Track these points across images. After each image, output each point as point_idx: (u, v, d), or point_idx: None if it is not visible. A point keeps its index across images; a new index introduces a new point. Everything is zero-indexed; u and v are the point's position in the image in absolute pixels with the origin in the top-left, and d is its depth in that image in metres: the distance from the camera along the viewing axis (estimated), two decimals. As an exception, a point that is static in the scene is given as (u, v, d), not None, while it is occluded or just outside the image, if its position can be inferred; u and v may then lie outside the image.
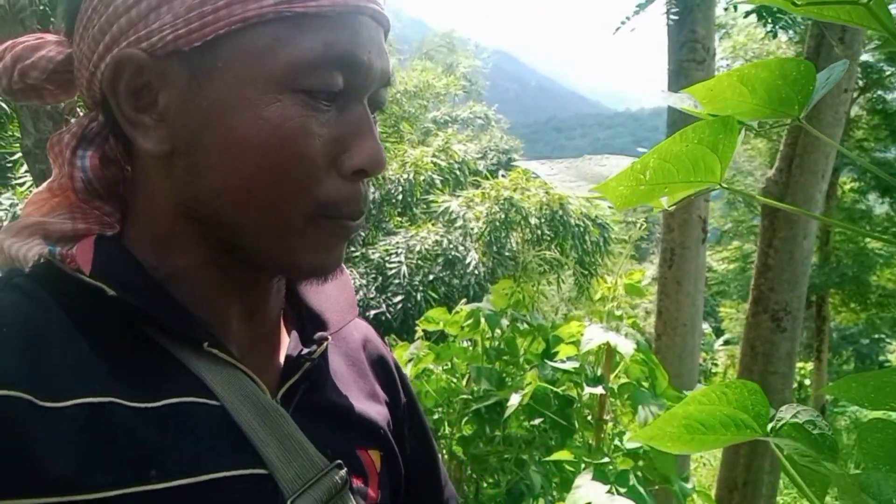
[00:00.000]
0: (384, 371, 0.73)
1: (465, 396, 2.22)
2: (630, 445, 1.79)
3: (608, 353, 1.91)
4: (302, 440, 0.55)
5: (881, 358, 14.16)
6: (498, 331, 2.29)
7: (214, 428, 0.52)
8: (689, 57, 3.69)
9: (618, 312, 1.97)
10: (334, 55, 0.52)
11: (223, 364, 0.55)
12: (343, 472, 0.57)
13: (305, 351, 0.61)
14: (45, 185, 0.60)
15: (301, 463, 0.54)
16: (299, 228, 0.54)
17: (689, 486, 1.78)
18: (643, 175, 0.56)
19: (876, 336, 13.86)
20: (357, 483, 0.60)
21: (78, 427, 0.47)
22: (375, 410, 0.67)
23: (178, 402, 0.52)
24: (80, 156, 0.57)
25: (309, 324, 0.64)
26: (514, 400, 1.89)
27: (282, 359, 0.62)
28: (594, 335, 1.81)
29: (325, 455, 0.57)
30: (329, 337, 0.64)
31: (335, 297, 0.68)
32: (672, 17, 3.35)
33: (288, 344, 0.63)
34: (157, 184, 0.56)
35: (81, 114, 0.60)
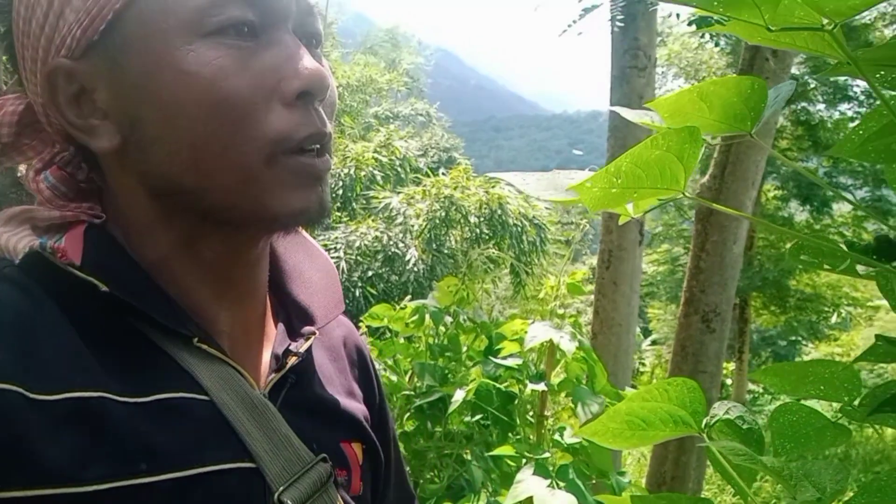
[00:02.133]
0: (363, 367, 0.74)
1: (407, 392, 2.23)
2: (569, 441, 1.84)
3: (550, 351, 1.96)
4: (288, 434, 0.56)
5: (797, 359, 14.84)
6: (441, 328, 2.32)
7: (203, 423, 0.53)
8: (631, 63, 3.81)
9: (560, 311, 2.02)
10: None
11: (212, 359, 0.55)
12: (328, 465, 0.58)
13: (293, 346, 0.62)
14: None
15: (287, 457, 0.55)
16: (258, 172, 0.52)
17: (625, 480, 1.85)
18: (616, 178, 0.58)
19: (793, 338, 14.53)
20: (341, 476, 0.61)
21: (69, 420, 0.47)
22: (356, 405, 0.68)
23: (168, 398, 0.52)
24: (43, 177, 0.57)
25: (296, 317, 0.65)
26: (459, 396, 1.92)
27: (269, 352, 0.62)
28: (538, 333, 1.86)
29: (311, 448, 0.58)
30: (316, 332, 0.64)
31: (322, 290, 0.68)
32: (618, 24, 3.45)
33: (275, 337, 0.63)
34: (120, 178, 0.56)
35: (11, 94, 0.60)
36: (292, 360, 0.61)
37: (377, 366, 2.38)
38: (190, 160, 0.52)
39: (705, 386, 4.22)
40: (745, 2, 0.43)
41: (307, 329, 0.64)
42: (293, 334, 0.63)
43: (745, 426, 0.67)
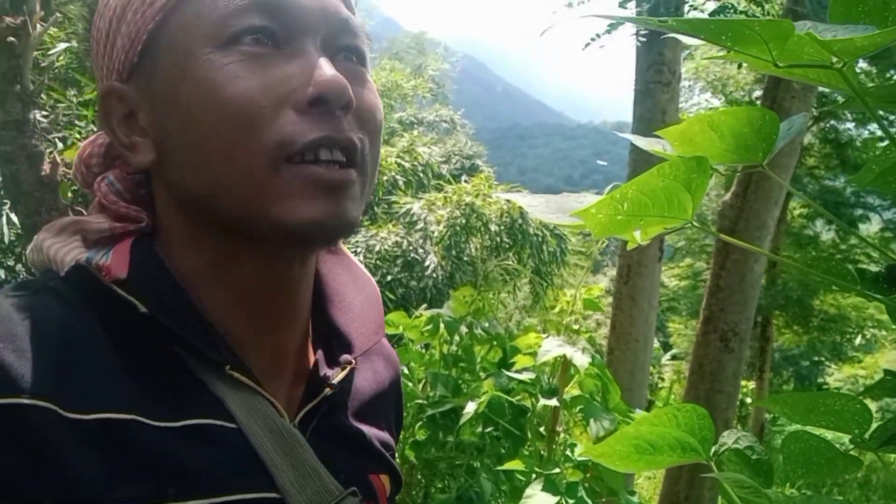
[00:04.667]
0: (396, 394, 0.74)
1: (420, 401, 2.24)
2: (580, 457, 1.83)
3: (563, 366, 1.95)
4: (316, 466, 0.56)
5: (819, 380, 14.61)
6: (456, 337, 2.32)
7: (231, 451, 0.53)
8: (655, 79, 3.79)
9: (575, 326, 2.01)
10: (247, 1, 0.52)
11: (243, 387, 0.55)
12: (357, 499, 0.58)
13: (329, 374, 0.61)
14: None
15: (315, 489, 0.55)
16: (264, 179, 0.51)
17: (635, 499, 1.84)
18: (621, 205, 0.58)
19: (816, 359, 14.30)
20: None
21: (100, 440, 0.47)
22: (385, 435, 0.68)
23: (198, 424, 0.52)
24: (107, 180, 0.61)
25: (335, 344, 0.64)
26: (471, 407, 1.92)
27: (304, 380, 0.62)
28: (551, 347, 1.86)
29: (339, 480, 0.57)
30: (353, 361, 0.63)
31: (363, 316, 0.67)
32: (641, 38, 3.44)
33: (312, 364, 0.62)
34: (159, 195, 0.59)
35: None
36: (326, 391, 0.60)
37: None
38: (201, 166, 0.53)
39: (721, 406, 4.17)
40: (753, 38, 0.43)
41: (344, 358, 0.63)
42: (331, 362, 0.63)
43: (753, 456, 0.66)
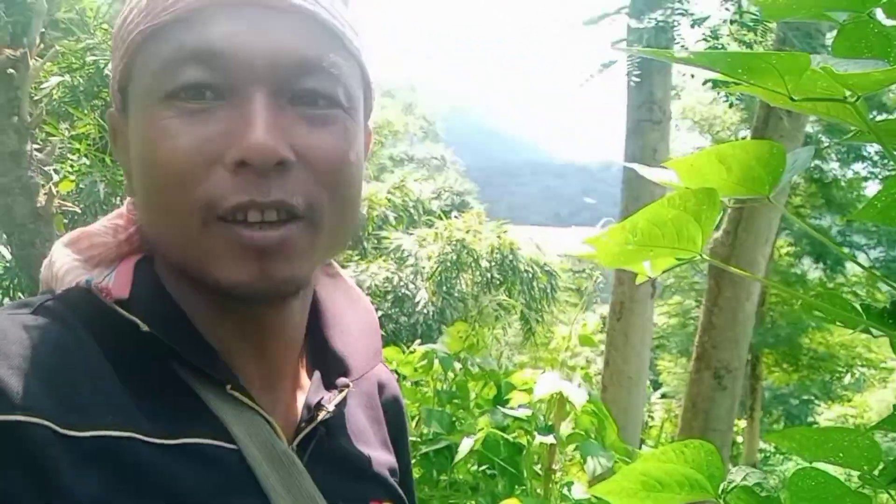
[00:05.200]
0: (397, 419, 0.73)
1: (413, 439, 2.21)
2: (578, 496, 1.81)
3: (560, 403, 1.94)
4: (313, 493, 0.55)
5: (810, 419, 14.56)
6: (450, 374, 2.30)
7: (228, 472, 0.52)
8: (646, 117, 3.84)
9: (571, 362, 2.00)
10: (186, 51, 0.50)
11: (243, 407, 0.55)
12: None
13: (325, 398, 0.60)
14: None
15: None
16: (195, 237, 0.51)
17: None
18: (632, 235, 0.58)
19: (805, 397, 14.28)
20: None
21: (96, 458, 0.47)
22: (388, 459, 0.67)
23: (196, 444, 0.52)
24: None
25: (332, 367, 0.63)
26: (466, 445, 1.90)
27: (300, 403, 0.61)
28: (548, 383, 1.84)
29: None
30: (350, 384, 0.63)
31: (360, 339, 0.66)
32: (634, 79, 3.50)
33: (308, 387, 0.62)
34: None
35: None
36: (323, 413, 0.60)
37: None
38: (146, 216, 0.55)
39: (716, 444, 4.11)
40: (770, 71, 0.44)
41: (341, 381, 0.62)
42: (328, 385, 0.62)
43: (762, 493, 0.65)
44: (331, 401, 0.60)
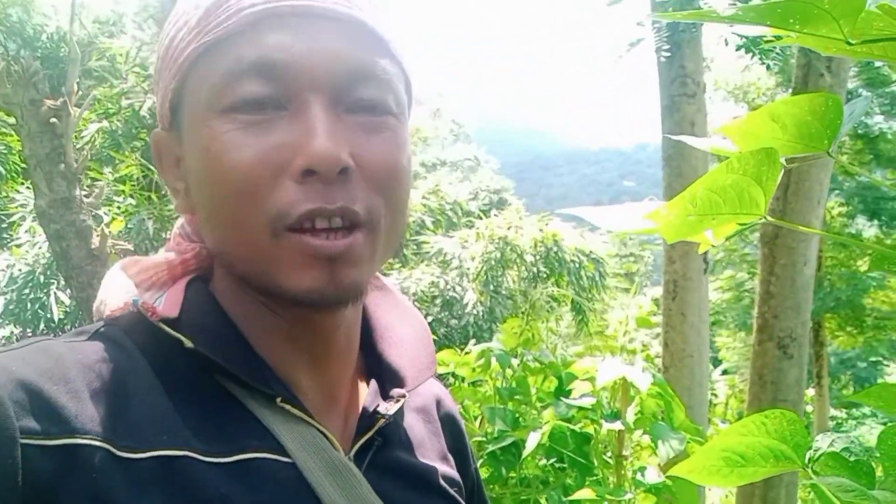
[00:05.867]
0: (456, 432, 0.73)
1: (478, 438, 2.20)
2: (652, 480, 1.78)
3: (624, 388, 1.91)
4: (374, 501, 0.55)
5: (880, 380, 14.13)
6: (509, 370, 2.29)
7: (286, 486, 0.53)
8: (680, 91, 3.78)
9: (630, 346, 1.97)
10: (245, 64, 0.51)
11: (296, 419, 0.55)
12: None
13: (381, 407, 0.60)
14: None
15: None
16: (265, 247, 0.52)
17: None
18: (692, 205, 0.57)
19: (873, 359, 13.85)
20: None
21: (153, 479, 0.48)
22: (448, 470, 0.67)
23: (251, 458, 0.52)
24: (180, 220, 0.64)
25: (386, 378, 0.63)
26: (534, 439, 1.88)
27: (356, 414, 0.61)
28: (610, 370, 1.82)
29: None
30: (406, 394, 0.63)
31: (415, 352, 0.66)
32: (664, 54, 3.44)
33: (364, 398, 0.62)
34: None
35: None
36: (380, 423, 0.60)
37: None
38: (214, 229, 0.55)
39: (787, 415, 4.02)
40: (823, 17, 0.42)
41: (397, 391, 0.62)
42: (383, 395, 0.62)
43: (852, 458, 0.63)
44: (387, 410, 0.60)
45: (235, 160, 0.51)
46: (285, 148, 0.51)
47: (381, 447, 0.60)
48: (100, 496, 0.46)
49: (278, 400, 0.55)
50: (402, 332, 0.67)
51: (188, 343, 0.53)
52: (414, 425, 0.67)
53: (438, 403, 0.73)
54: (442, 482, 0.64)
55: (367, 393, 0.62)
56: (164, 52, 0.57)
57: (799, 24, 0.44)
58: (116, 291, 0.57)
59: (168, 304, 0.55)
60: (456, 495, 0.65)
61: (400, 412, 0.63)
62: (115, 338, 0.54)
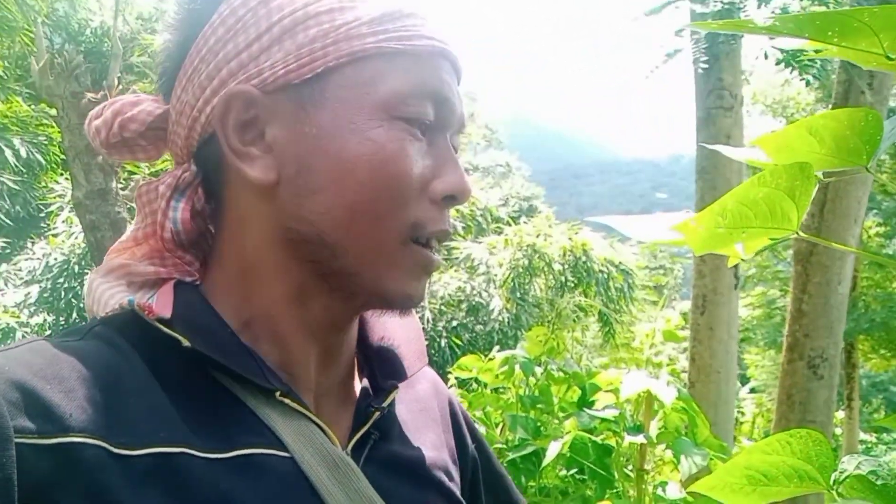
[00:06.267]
0: (452, 419, 0.74)
1: (499, 445, 2.19)
2: (673, 496, 1.75)
3: (648, 401, 1.89)
4: (372, 495, 0.56)
5: (913, 406, 13.77)
6: (532, 378, 2.28)
7: (284, 481, 0.53)
8: (716, 104, 3.73)
9: (656, 359, 1.95)
10: (428, 88, 0.57)
11: (294, 414, 0.56)
12: None
13: (376, 401, 0.62)
14: (129, 232, 0.63)
15: None
16: (392, 251, 0.57)
17: (736, 538, 1.74)
18: (722, 217, 0.56)
19: (907, 384, 13.52)
20: None
21: (151, 476, 0.48)
22: (444, 461, 0.67)
23: (249, 454, 0.52)
24: (173, 206, 0.59)
25: (380, 371, 0.65)
26: (554, 449, 1.87)
27: (352, 408, 0.62)
28: (634, 382, 1.80)
29: None
30: (398, 385, 0.64)
31: (406, 344, 0.68)
32: (702, 65, 3.40)
33: (358, 392, 0.63)
34: (255, 215, 0.58)
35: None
36: (375, 416, 0.61)
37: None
38: (342, 217, 0.55)
39: (815, 437, 3.95)
40: (862, 30, 0.41)
41: (390, 383, 0.63)
42: (377, 389, 0.63)
43: (879, 482, 0.62)
44: (381, 403, 0.61)
45: (406, 167, 0.55)
46: (430, 170, 0.58)
47: (378, 440, 0.61)
48: (97, 494, 0.46)
49: (277, 394, 0.55)
50: (393, 326, 0.69)
51: (186, 342, 0.53)
52: (409, 416, 0.67)
53: (434, 392, 0.73)
54: (437, 473, 0.65)
55: (361, 387, 0.63)
56: (330, 20, 0.56)
57: (838, 37, 0.43)
58: (110, 292, 0.57)
59: (160, 303, 0.55)
60: (452, 488, 0.65)
61: (394, 404, 0.64)
62: (109, 337, 0.54)
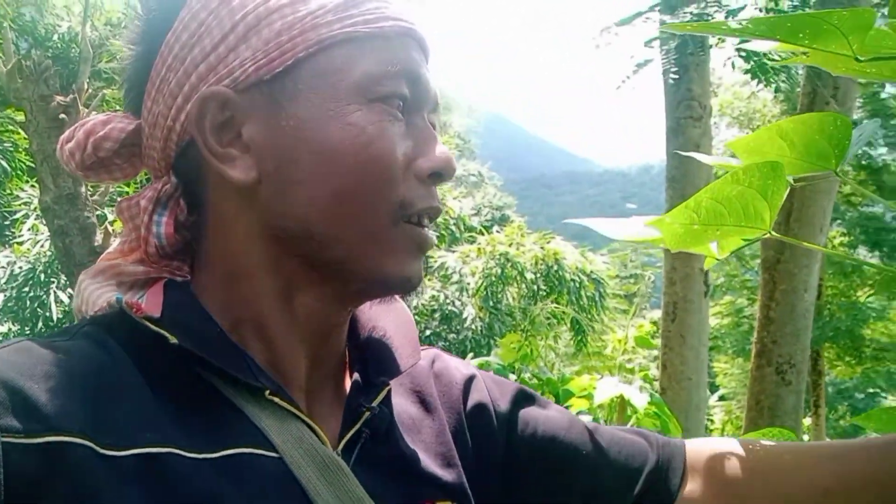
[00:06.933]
0: (464, 396, 0.70)
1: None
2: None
3: (620, 407, 1.91)
4: (361, 496, 0.55)
5: (878, 412, 14.03)
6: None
7: (272, 481, 0.52)
8: (686, 114, 3.79)
9: (629, 365, 1.97)
10: (400, 68, 0.57)
11: (284, 413, 0.55)
12: None
13: (365, 399, 0.60)
14: (116, 245, 0.62)
15: None
16: (384, 233, 0.56)
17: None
18: (697, 214, 0.57)
19: (871, 390, 13.79)
20: None
21: (138, 476, 0.47)
22: (446, 454, 0.65)
23: (237, 454, 0.52)
24: (156, 221, 0.59)
25: (372, 368, 0.63)
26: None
27: (342, 406, 0.60)
28: (608, 388, 1.81)
29: None
30: (389, 383, 0.63)
31: (398, 340, 0.67)
32: (672, 76, 3.46)
33: (349, 390, 0.61)
34: (240, 215, 0.57)
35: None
36: (366, 415, 0.59)
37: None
38: (328, 206, 0.55)
39: (784, 442, 4.01)
40: (833, 33, 0.43)
41: (381, 380, 0.62)
42: (368, 386, 0.62)
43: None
44: (371, 401, 0.60)
45: (389, 147, 0.55)
46: (415, 147, 0.58)
47: (369, 439, 0.59)
48: (83, 494, 0.45)
49: (266, 393, 0.54)
50: (385, 322, 0.68)
51: (173, 339, 0.52)
52: (405, 410, 0.65)
53: (433, 372, 0.71)
54: (434, 469, 0.63)
55: (352, 385, 0.62)
56: (290, 18, 0.55)
57: (808, 39, 0.44)
58: (98, 291, 0.57)
59: (149, 303, 0.55)
60: (450, 481, 0.63)
61: (387, 401, 0.62)
62: (97, 337, 0.53)
